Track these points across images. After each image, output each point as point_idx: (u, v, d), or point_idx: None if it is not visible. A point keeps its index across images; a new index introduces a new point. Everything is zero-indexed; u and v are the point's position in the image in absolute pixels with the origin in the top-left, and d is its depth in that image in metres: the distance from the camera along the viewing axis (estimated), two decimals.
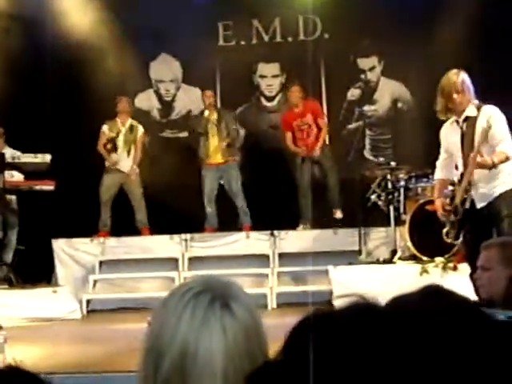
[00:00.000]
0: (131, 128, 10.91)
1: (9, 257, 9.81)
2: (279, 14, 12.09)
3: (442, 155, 6.61)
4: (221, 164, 10.77)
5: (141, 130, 10.97)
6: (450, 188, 6.72)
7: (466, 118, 6.31)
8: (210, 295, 1.57)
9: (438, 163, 6.66)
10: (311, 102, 10.85)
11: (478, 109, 6.29)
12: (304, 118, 10.65)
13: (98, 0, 11.48)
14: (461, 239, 6.64)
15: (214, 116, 10.82)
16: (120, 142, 10.85)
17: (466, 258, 6.68)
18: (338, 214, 10.57)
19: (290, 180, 10.94)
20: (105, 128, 10.85)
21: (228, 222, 10.84)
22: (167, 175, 11.43)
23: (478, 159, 6.06)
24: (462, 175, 6.33)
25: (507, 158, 6.14)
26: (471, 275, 6.31)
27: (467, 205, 6.26)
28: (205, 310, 1.55)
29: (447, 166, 6.60)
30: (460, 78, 6.33)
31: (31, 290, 9.28)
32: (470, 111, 6.30)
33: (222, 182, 10.90)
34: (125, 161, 10.86)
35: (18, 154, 9.67)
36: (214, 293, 1.58)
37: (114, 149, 10.83)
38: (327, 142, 10.98)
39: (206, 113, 10.81)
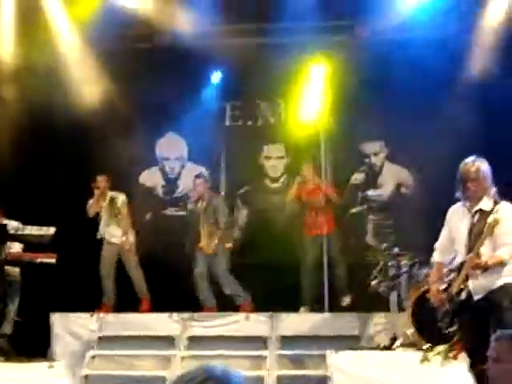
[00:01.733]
0: (112, 200, 10.98)
1: (8, 329, 9.74)
2: (284, 96, 12.23)
3: (444, 237, 6.52)
4: (209, 254, 10.82)
5: (121, 198, 11.02)
6: (446, 273, 6.64)
7: (480, 210, 6.25)
8: None
9: (438, 245, 6.57)
10: (323, 183, 11.01)
11: (495, 203, 6.23)
12: (314, 196, 10.72)
13: (108, 74, 11.59)
14: (454, 328, 6.57)
15: (203, 205, 10.91)
16: (104, 215, 10.94)
17: (463, 348, 6.58)
18: (347, 301, 10.53)
19: (292, 261, 10.92)
20: (89, 203, 10.95)
21: (227, 301, 10.80)
22: (169, 252, 11.44)
23: (475, 260, 6.03)
24: (461, 264, 6.27)
25: (502, 263, 6.08)
26: (472, 366, 6.24)
27: (463, 295, 6.20)
28: None
29: (447, 248, 6.52)
30: (475, 166, 6.29)
31: (27, 364, 9.17)
32: (485, 204, 6.23)
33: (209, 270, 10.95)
34: (115, 233, 10.97)
35: (20, 225, 9.68)
36: (217, 382, 1.57)
37: (105, 221, 10.93)
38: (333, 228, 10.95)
39: (190, 206, 11.01)
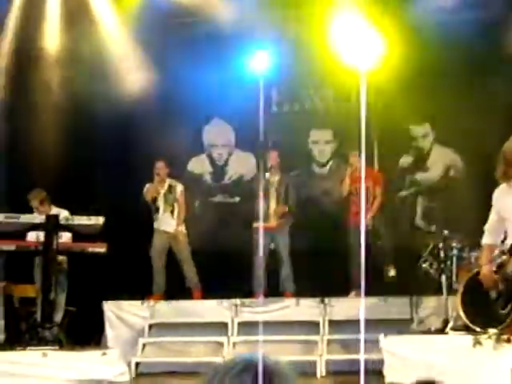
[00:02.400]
0: (170, 188, 11.01)
1: (58, 317, 9.87)
2: (333, 81, 12.17)
3: (493, 218, 6.43)
4: (273, 228, 10.77)
5: (180, 188, 11.07)
6: (498, 254, 6.55)
7: None
8: (253, 374, 1.56)
9: (487, 227, 6.47)
10: (373, 170, 10.94)
11: None
12: (365, 183, 10.68)
13: (151, 64, 11.64)
14: (509, 308, 6.47)
15: (276, 178, 10.88)
16: (160, 202, 10.96)
17: None
18: (392, 272, 10.48)
19: (340, 246, 10.90)
20: (147, 186, 10.97)
21: (273, 287, 10.82)
22: (218, 239, 11.50)
23: None
24: None
25: None
26: None
27: None
28: None
29: (497, 230, 6.43)
30: None
31: (80, 352, 9.27)
32: None
33: (271, 247, 10.90)
34: (169, 221, 10.96)
35: (67, 215, 9.79)
36: (257, 371, 1.57)
37: (156, 210, 10.95)
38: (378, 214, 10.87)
39: (267, 175, 10.87)
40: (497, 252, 6.60)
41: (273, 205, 10.83)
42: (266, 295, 10.72)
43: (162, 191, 11.02)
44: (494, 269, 6.30)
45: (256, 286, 10.83)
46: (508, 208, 6.18)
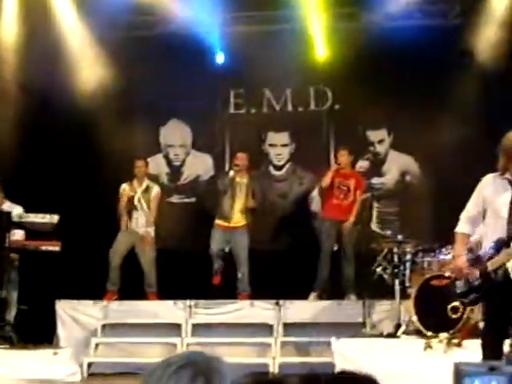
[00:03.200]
0: (147, 188, 10.97)
1: (11, 316, 9.77)
2: (290, 84, 12.23)
3: (472, 208, 6.20)
4: (231, 228, 10.77)
5: (156, 189, 11.03)
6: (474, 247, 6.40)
7: None
8: (192, 371, 1.57)
9: (464, 216, 6.24)
10: (358, 173, 11.00)
11: None
12: (347, 180, 10.70)
13: (111, 61, 11.58)
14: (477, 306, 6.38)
15: (244, 179, 10.87)
16: (136, 201, 10.89)
17: (486, 329, 6.31)
18: (352, 298, 10.51)
19: (297, 248, 10.94)
20: (124, 186, 10.91)
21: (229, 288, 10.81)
22: (173, 240, 11.47)
23: None
24: (509, 239, 5.97)
25: None
26: (485, 357, 6.00)
27: (499, 275, 5.96)
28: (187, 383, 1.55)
29: (475, 221, 6.25)
30: None
31: (32, 351, 9.20)
32: None
33: (226, 249, 10.89)
34: (141, 222, 10.91)
35: (24, 213, 9.69)
36: (196, 368, 1.58)
37: (131, 209, 10.88)
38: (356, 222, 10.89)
39: (231, 173, 10.85)
40: (472, 243, 6.49)
41: (238, 205, 10.82)
42: (222, 296, 10.71)
43: (139, 190, 10.96)
44: (468, 261, 6.14)
45: (215, 274, 10.79)
46: (495, 201, 6.03)
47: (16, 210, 9.71)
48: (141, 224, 10.89)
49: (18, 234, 9.65)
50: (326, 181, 10.66)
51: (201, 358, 1.63)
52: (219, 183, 11.11)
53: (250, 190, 10.83)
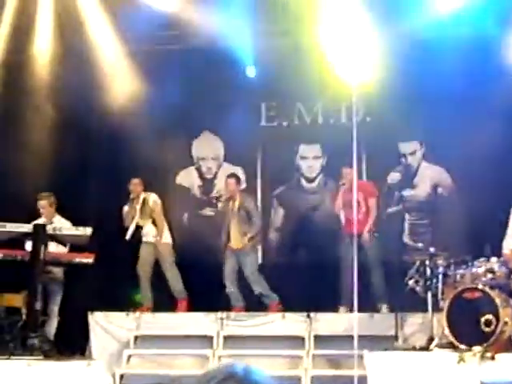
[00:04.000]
0: (144, 201, 11.05)
1: (52, 327, 9.88)
2: (322, 97, 12.23)
3: None
4: (239, 249, 10.83)
5: (153, 197, 11.10)
6: None
7: None
8: (234, 383, 1.58)
9: None
10: (363, 182, 10.99)
11: None
12: (358, 193, 10.68)
13: (142, 75, 11.66)
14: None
15: (236, 204, 10.91)
16: (138, 218, 10.98)
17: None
18: (384, 310, 10.48)
19: (329, 261, 10.92)
20: (125, 208, 11.03)
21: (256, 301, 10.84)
22: (206, 252, 11.51)
23: None
24: None
25: None
26: None
27: None
28: None
29: None
30: None
31: (65, 362, 9.26)
32: None
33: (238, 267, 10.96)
34: (151, 232, 11.03)
35: (60, 225, 9.80)
36: (237, 381, 1.59)
37: (138, 227, 11.00)
38: (374, 229, 10.88)
39: (223, 199, 11.00)
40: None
41: (234, 228, 10.88)
42: (249, 309, 10.73)
43: (138, 206, 11.05)
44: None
45: (233, 301, 10.84)
46: None
47: (63, 225, 9.84)
48: (151, 234, 11.01)
49: (60, 247, 9.75)
50: (337, 206, 10.78)
51: (241, 371, 1.64)
52: (219, 207, 11.25)
53: (243, 212, 10.85)
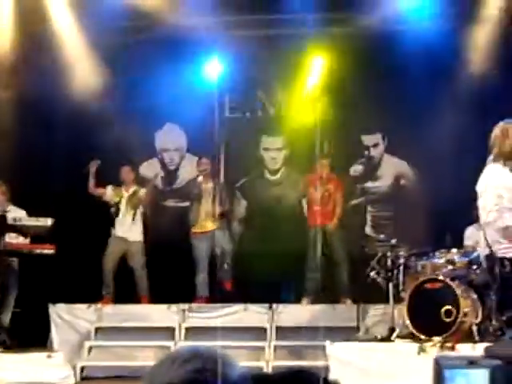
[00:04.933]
0: (134, 193, 10.99)
1: (6, 319, 9.77)
2: (285, 88, 12.23)
3: (502, 198, 6.30)
4: (211, 231, 10.81)
5: (142, 192, 11.07)
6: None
7: None
8: (199, 363, 1.57)
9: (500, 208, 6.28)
10: (336, 177, 11.01)
11: None
12: (327, 185, 10.74)
13: (107, 64, 11.59)
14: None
15: (210, 184, 10.90)
16: (122, 206, 10.92)
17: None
18: (347, 302, 10.53)
19: (292, 252, 10.94)
20: (109, 188, 10.95)
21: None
22: (168, 244, 11.47)
23: None
24: None
25: None
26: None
27: None
28: (194, 375, 1.55)
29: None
30: None
31: (25, 354, 9.19)
32: None
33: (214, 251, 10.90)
34: (129, 228, 10.92)
35: (20, 215, 9.70)
36: (203, 360, 1.59)
37: (116, 214, 10.91)
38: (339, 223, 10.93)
39: (199, 179, 10.93)
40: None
41: (207, 209, 10.87)
42: (211, 301, 10.72)
43: (126, 194, 10.98)
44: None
45: (199, 291, 10.82)
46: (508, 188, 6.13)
47: (18, 214, 9.72)
48: (131, 230, 10.91)
49: (21, 239, 9.65)
50: (308, 193, 10.85)
51: (207, 351, 1.64)
52: (190, 190, 11.20)
53: (216, 195, 10.86)
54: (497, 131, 6.65)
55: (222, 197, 10.93)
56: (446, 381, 2.96)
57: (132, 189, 11.07)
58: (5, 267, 9.56)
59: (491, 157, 6.70)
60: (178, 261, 11.30)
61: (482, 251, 7.67)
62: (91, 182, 11.05)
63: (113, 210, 10.95)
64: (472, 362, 3.04)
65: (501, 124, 6.70)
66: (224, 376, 1.57)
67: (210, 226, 10.86)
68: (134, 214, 10.94)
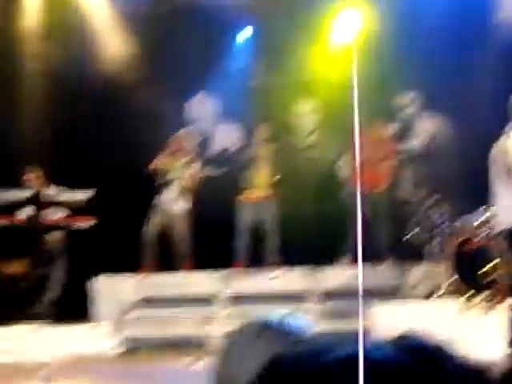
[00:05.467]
0: (186, 164, 10.94)
1: (55, 292, 9.87)
2: (316, 51, 12.14)
3: None
4: (259, 200, 10.76)
5: (197, 166, 11.01)
6: None
7: None
8: (269, 337, 1.57)
9: None
10: (391, 142, 10.94)
11: None
12: (378, 150, 10.63)
13: (137, 34, 11.58)
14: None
15: (266, 151, 10.87)
16: (172, 176, 10.82)
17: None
18: (389, 262, 10.48)
19: (329, 215, 10.91)
20: (158, 159, 10.87)
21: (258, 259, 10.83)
22: (203, 211, 11.50)
23: None
24: None
25: None
26: None
27: None
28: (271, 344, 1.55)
29: None
30: None
31: (72, 326, 9.30)
32: None
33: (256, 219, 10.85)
34: (175, 200, 10.88)
35: (56, 191, 9.76)
36: (275, 331, 1.58)
37: (164, 184, 10.83)
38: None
39: (253, 146, 10.84)
40: None
41: (262, 176, 10.81)
42: (251, 266, 10.71)
43: (177, 166, 10.89)
44: None
45: (239, 258, 10.81)
46: None
47: (56, 191, 9.77)
48: (174, 200, 10.88)
49: (60, 213, 9.69)
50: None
51: (276, 321, 1.63)
52: (244, 155, 11.14)
53: (272, 162, 10.82)
54: None
55: (277, 165, 10.88)
56: None
57: (184, 160, 10.94)
58: (48, 243, 9.64)
59: None
60: (214, 228, 11.28)
61: None
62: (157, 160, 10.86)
63: (161, 179, 10.87)
64: None
65: None
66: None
67: (259, 193, 10.78)
68: (182, 186, 10.82)
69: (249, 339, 1.60)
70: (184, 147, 11.02)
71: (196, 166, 10.99)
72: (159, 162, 10.81)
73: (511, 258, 7.18)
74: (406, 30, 11.10)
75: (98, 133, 11.54)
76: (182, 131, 11.01)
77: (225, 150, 12.50)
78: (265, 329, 1.61)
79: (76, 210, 9.69)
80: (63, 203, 9.72)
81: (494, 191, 6.71)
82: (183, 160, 10.96)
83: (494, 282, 8.35)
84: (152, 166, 10.77)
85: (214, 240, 11.03)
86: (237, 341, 1.63)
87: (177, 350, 9.25)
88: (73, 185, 9.86)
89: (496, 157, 6.70)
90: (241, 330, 1.65)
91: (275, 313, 1.72)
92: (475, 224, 8.81)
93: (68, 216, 9.90)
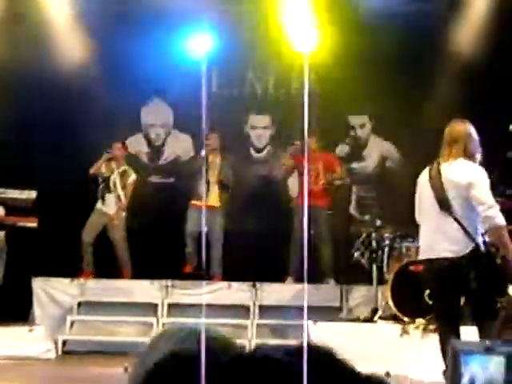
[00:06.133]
0: (124, 173, 10.92)
1: None
2: (273, 67, 12.17)
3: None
4: (207, 208, 10.72)
5: (133, 176, 10.97)
6: None
7: None
8: (196, 341, 1.58)
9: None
10: (330, 155, 10.97)
11: None
12: (314, 164, 10.61)
13: (94, 36, 11.49)
14: None
15: (217, 159, 10.85)
16: (111, 183, 10.84)
17: None
18: (330, 283, 10.49)
19: (275, 232, 10.92)
20: (100, 162, 10.83)
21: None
22: (152, 219, 11.44)
23: None
24: None
25: None
26: None
27: None
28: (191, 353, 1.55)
29: None
30: None
31: (7, 328, 9.17)
32: None
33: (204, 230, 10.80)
34: (113, 205, 10.85)
35: (1, 189, 9.63)
36: (197, 335, 1.61)
37: (103, 190, 10.83)
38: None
39: (203, 153, 10.80)
40: None
41: (213, 185, 10.79)
42: (197, 277, 10.67)
43: (116, 171, 10.91)
44: None
45: (184, 265, 10.75)
46: None
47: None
48: (112, 206, 10.84)
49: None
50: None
51: (196, 327, 1.70)
52: (195, 164, 11.13)
53: (222, 170, 10.83)
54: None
55: (227, 172, 10.87)
56: (462, 366, 2.96)
57: (123, 167, 10.98)
58: None
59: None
60: (161, 237, 11.25)
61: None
62: (96, 165, 10.85)
63: (102, 184, 10.84)
64: (489, 349, 3.04)
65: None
66: (216, 355, 1.57)
67: (214, 202, 10.75)
68: (121, 193, 10.83)
69: (165, 343, 1.61)
70: (124, 154, 10.98)
71: (133, 174, 10.96)
72: (97, 167, 10.81)
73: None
74: (366, 53, 11.19)
75: (45, 132, 11.44)
76: (125, 139, 10.97)
77: (176, 158, 12.46)
78: (181, 334, 1.67)
79: (19, 209, 9.55)
80: (6, 201, 9.59)
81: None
82: (122, 167, 10.92)
83: (432, 307, 8.40)
84: (92, 170, 10.76)
85: (158, 248, 11.00)
86: (154, 344, 1.65)
87: (113, 356, 9.16)
88: (16, 184, 9.73)
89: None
90: (161, 335, 1.72)
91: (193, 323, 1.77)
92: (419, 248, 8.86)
93: (10, 215, 9.76)
